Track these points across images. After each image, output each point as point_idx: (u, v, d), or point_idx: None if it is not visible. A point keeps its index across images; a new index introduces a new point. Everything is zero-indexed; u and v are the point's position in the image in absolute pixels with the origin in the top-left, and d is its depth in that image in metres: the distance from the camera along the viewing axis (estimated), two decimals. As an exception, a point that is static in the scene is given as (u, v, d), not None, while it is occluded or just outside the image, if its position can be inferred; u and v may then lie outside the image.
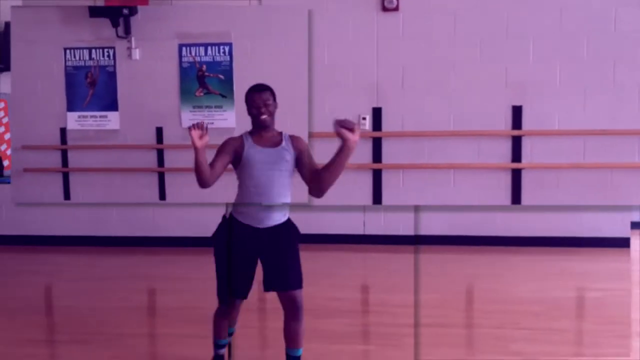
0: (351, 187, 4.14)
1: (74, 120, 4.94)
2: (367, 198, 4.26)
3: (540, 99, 3.95)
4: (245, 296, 2.28)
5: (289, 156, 2.27)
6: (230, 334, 2.51)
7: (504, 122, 3.98)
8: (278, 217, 2.26)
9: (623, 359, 2.43)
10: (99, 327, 2.99)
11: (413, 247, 4.05)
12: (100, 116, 4.92)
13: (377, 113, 4.11)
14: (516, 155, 4.03)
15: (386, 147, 4.16)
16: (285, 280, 2.22)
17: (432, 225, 4.25)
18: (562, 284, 3.52)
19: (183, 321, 3.01)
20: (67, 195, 4.90)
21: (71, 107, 4.94)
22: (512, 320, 2.90)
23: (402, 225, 4.19)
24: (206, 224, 5.14)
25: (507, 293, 3.34)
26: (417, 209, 4.18)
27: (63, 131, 4.91)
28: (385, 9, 4.00)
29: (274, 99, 2.34)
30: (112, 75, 4.86)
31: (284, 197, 2.26)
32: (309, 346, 2.39)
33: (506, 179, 4.06)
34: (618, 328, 2.78)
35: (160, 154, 4.80)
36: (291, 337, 2.27)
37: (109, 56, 4.85)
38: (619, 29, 3.84)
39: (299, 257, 2.27)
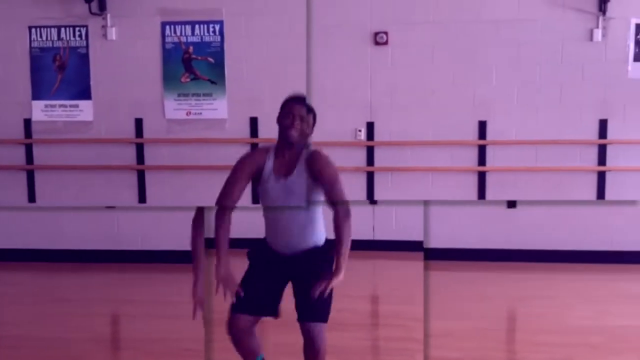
0: (349, 186, 4.50)
1: (40, 110, 4.29)
2: (362, 195, 4.64)
3: (501, 115, 4.58)
4: (255, 312, 2.07)
5: (300, 187, 2.02)
6: None
7: (472, 133, 4.59)
8: (306, 245, 2.11)
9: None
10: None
11: (427, 253, 3.76)
12: (71, 105, 4.34)
13: (370, 126, 4.66)
14: (481, 161, 4.61)
15: (377, 154, 4.67)
16: (303, 309, 2.07)
17: (463, 236, 4.53)
18: (625, 309, 3.07)
19: (155, 356, 2.63)
20: (32, 197, 4.21)
21: (37, 94, 4.28)
22: (565, 355, 2.50)
23: (416, 231, 4.34)
24: (187, 235, 4.94)
25: (558, 321, 2.91)
26: (426, 203, 4.40)
27: (27, 123, 4.20)
28: (377, 43, 4.59)
29: (313, 121, 2.10)
30: (84, 58, 4.29)
31: (308, 236, 2.08)
32: None
33: (473, 180, 4.65)
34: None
35: (140, 150, 4.41)
36: None
37: (80, 36, 4.27)
38: (565, 60, 4.49)
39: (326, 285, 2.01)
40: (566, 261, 4.43)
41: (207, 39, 4.27)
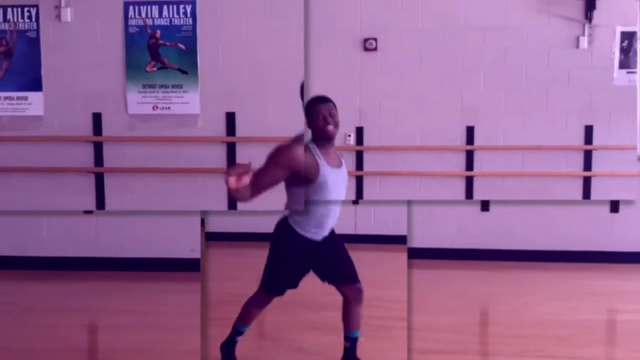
0: None
1: None
2: (351, 198, 4.61)
3: (488, 120, 4.58)
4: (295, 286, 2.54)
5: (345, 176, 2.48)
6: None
7: (460, 138, 4.61)
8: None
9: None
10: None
11: (405, 246, 3.99)
12: (18, 98, 3.91)
13: (359, 131, 4.66)
14: (469, 165, 4.62)
15: (367, 158, 4.67)
16: (351, 274, 2.58)
17: (441, 236, 4.58)
18: (591, 304, 3.36)
19: None
20: (-26, 203, 3.72)
21: None
22: (536, 347, 2.75)
23: (392, 225, 4.52)
24: (163, 241, 4.79)
25: (529, 315, 3.19)
26: (409, 203, 4.40)
27: (-32, 118, 3.68)
28: (366, 49, 4.64)
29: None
30: (34, 43, 3.87)
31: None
32: (303, 337, 2.67)
33: (461, 184, 4.63)
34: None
35: (98, 149, 4.04)
36: (357, 320, 2.58)
37: (30, 17, 3.86)
38: (551, 65, 4.50)
39: None
40: (536, 260, 4.55)
41: (176, 21, 3.93)
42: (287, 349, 2.55)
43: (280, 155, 2.30)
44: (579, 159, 4.63)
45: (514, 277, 4.15)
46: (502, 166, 4.69)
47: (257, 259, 3.65)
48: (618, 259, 4.51)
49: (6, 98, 3.89)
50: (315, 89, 4.31)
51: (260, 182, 2.24)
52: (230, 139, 4.23)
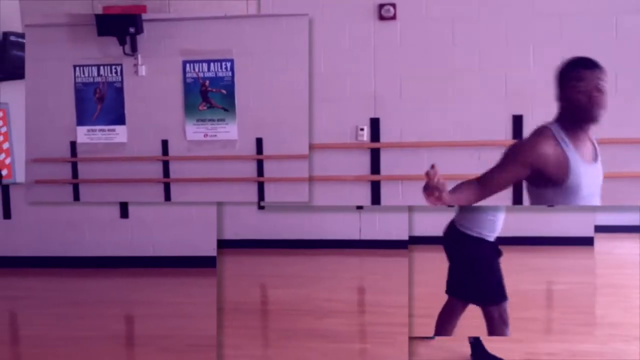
0: (349, 199, 4.19)
1: (83, 134, 5.07)
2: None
3: (540, 107, 3.48)
4: None
5: (601, 174, 1.72)
6: None
7: (505, 131, 3.86)
8: None
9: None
10: (71, 359, 2.88)
11: (406, 251, 3.94)
12: (109, 130, 5.04)
13: (375, 124, 4.07)
14: None
15: (385, 158, 4.07)
16: None
17: (422, 227, 4.12)
18: (531, 278, 3.74)
19: (167, 351, 2.96)
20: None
21: (81, 121, 5.08)
22: None
23: (395, 230, 4.10)
24: (188, 241, 5.25)
25: None
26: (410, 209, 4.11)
27: (73, 145, 5.12)
28: (382, 17, 3.97)
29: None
30: (119, 91, 5.00)
31: None
32: (309, 345, 2.76)
33: (508, 189, 4.04)
34: (582, 317, 3.14)
35: (166, 166, 4.96)
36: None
37: (116, 73, 4.97)
38: (620, 36, 3.68)
39: None
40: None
41: (220, 74, 4.65)
42: (293, 357, 2.62)
43: (518, 150, 1.73)
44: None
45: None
46: (560, 165, 3.86)
47: (256, 266, 4.03)
48: (553, 242, 4.14)
49: (100, 130, 5.08)
50: (318, 70, 4.20)
51: (492, 182, 1.72)
52: (259, 156, 4.65)
